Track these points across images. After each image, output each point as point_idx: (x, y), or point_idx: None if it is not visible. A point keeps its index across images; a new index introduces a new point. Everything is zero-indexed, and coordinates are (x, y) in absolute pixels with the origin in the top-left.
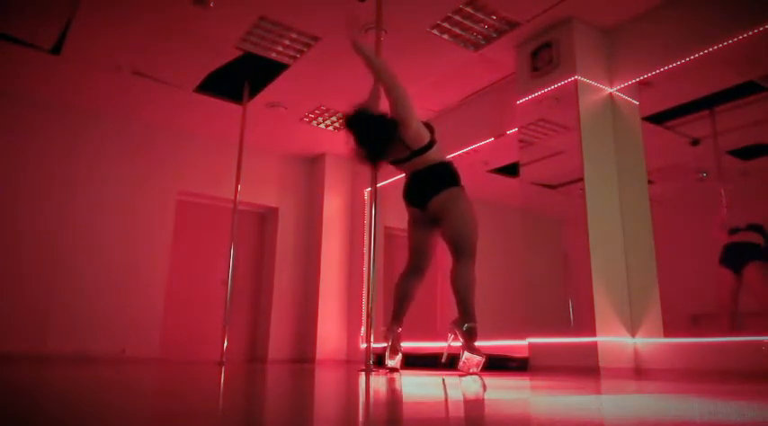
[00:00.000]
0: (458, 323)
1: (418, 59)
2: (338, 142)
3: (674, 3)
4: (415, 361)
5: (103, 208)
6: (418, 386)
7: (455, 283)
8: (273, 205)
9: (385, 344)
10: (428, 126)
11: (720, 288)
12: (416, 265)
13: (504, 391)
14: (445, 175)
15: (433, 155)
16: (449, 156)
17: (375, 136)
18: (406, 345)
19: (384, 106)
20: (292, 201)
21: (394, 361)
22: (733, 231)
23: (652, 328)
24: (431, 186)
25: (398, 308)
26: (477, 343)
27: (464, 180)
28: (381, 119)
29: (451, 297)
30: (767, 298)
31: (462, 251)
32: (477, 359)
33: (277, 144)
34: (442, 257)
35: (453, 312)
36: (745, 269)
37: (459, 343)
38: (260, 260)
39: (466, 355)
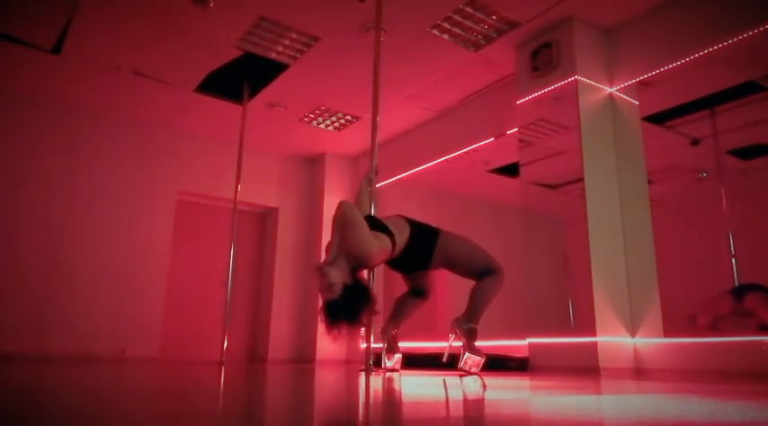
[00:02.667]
0: (459, 323)
1: (418, 59)
2: (338, 142)
3: (674, 3)
4: (415, 361)
5: (103, 207)
6: (418, 386)
7: (477, 286)
8: (273, 205)
9: (383, 345)
10: (375, 222)
11: (715, 299)
12: (417, 292)
13: (504, 391)
14: (424, 240)
15: (400, 239)
16: (448, 156)
17: (357, 308)
18: (406, 345)
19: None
20: (292, 201)
21: (392, 362)
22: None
23: (652, 328)
24: (422, 257)
25: (393, 317)
26: (477, 343)
27: (464, 180)
28: (353, 294)
29: (452, 297)
30: (765, 315)
31: (487, 272)
32: (478, 359)
33: (277, 144)
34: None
35: (453, 312)
36: (746, 296)
37: (459, 343)
38: (260, 260)
39: (467, 355)
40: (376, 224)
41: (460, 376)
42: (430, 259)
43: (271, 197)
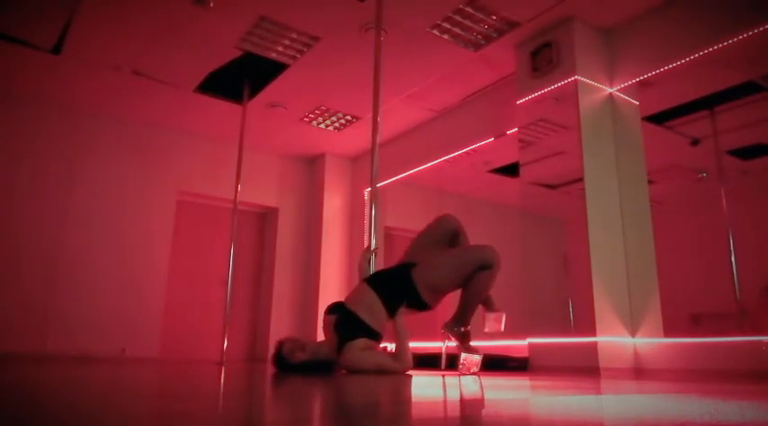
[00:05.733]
0: (450, 328)
1: (418, 59)
2: (338, 142)
3: (674, 3)
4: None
5: (103, 207)
6: (417, 386)
7: (470, 285)
8: (273, 205)
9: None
10: (360, 326)
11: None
12: None
13: (503, 391)
14: (400, 286)
15: (380, 319)
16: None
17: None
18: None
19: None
20: (292, 201)
21: None
22: None
23: (652, 328)
24: (412, 297)
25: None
26: (475, 343)
27: (464, 180)
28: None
29: (452, 297)
30: None
31: (477, 267)
32: (476, 358)
33: (277, 144)
34: None
35: (452, 313)
36: None
37: (454, 345)
38: (260, 260)
39: (464, 356)
40: (360, 327)
41: (461, 376)
42: (420, 297)
43: (271, 197)
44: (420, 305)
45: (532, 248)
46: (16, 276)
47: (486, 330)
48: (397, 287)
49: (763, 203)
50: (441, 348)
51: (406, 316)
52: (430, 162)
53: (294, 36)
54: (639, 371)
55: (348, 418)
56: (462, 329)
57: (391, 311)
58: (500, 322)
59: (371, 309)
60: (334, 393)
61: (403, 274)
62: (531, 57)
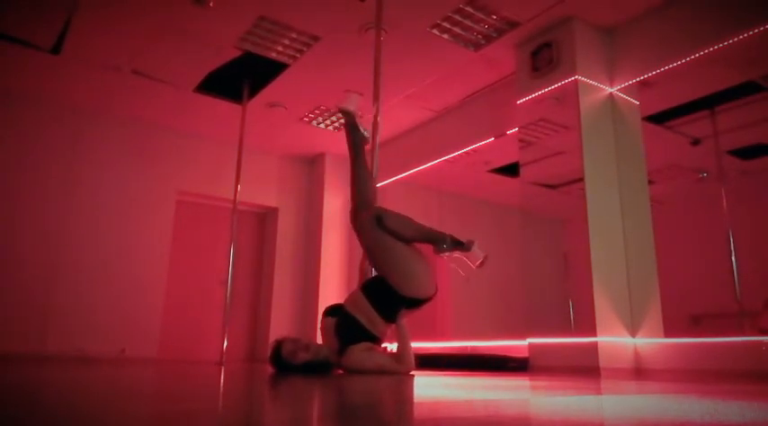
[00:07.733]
0: (440, 250)
1: (418, 59)
2: (338, 142)
3: (675, 2)
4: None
5: (103, 207)
6: (417, 386)
7: (397, 234)
8: (273, 205)
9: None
10: (361, 331)
11: None
12: None
13: (503, 391)
14: (393, 298)
15: (376, 320)
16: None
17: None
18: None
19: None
20: (292, 201)
21: None
22: None
23: (652, 328)
24: (403, 304)
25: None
26: (475, 343)
27: (464, 180)
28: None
29: (453, 297)
30: None
31: (376, 226)
32: (478, 252)
33: (277, 144)
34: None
35: (453, 312)
36: None
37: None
38: (260, 260)
39: (468, 255)
40: (361, 331)
41: (477, 268)
42: (415, 299)
43: (271, 197)
44: (420, 303)
45: (532, 248)
46: (17, 276)
47: (476, 265)
48: (389, 300)
49: (764, 203)
50: (440, 348)
51: (408, 316)
52: (430, 162)
53: (294, 36)
54: (640, 371)
55: (348, 418)
56: (449, 242)
57: (390, 319)
58: (478, 259)
59: (369, 316)
60: (334, 393)
61: (387, 288)
62: (531, 56)
